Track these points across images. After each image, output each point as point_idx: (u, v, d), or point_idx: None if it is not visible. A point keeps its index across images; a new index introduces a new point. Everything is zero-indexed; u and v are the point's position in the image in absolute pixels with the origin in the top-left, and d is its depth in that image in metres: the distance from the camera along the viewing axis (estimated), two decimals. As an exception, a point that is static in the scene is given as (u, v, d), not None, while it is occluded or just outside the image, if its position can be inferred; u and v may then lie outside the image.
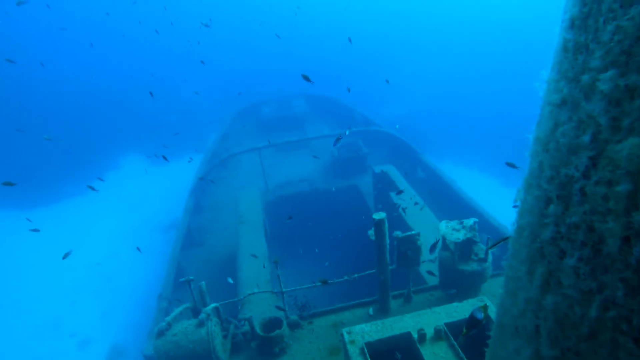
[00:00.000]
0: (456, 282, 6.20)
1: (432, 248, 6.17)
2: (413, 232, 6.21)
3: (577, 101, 1.05)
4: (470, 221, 6.27)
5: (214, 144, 18.23)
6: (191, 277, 6.02)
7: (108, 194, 22.45)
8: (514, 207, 5.33)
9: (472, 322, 3.58)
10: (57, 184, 22.89)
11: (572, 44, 1.09)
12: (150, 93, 19.97)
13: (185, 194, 13.79)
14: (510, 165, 6.65)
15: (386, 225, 5.85)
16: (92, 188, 10.97)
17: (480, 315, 3.39)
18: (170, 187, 16.74)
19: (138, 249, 12.91)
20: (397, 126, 17.52)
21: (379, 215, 5.79)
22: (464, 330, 3.79)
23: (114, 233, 18.51)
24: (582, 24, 1.05)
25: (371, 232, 6.12)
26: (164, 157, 11.50)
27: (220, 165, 14.76)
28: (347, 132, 9.19)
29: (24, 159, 25.80)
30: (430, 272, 6.95)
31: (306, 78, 7.37)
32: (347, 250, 12.43)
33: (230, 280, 7.74)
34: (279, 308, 6.48)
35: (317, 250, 12.40)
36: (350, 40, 11.77)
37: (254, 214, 10.41)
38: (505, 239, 2.23)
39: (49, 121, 30.46)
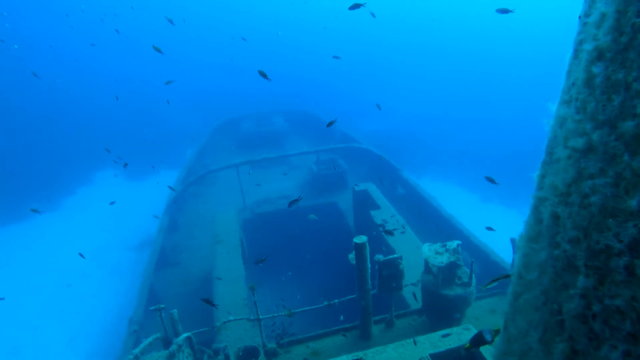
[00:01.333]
0: (439, 307, 6.01)
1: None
2: (395, 255, 6.01)
3: (614, 152, 0.86)
4: (453, 244, 6.11)
5: (190, 159, 17.81)
6: (162, 305, 5.66)
7: (79, 211, 21.65)
8: (488, 229, 5.21)
9: (478, 341, 3.35)
10: (25, 199, 21.94)
11: (603, 81, 0.90)
12: (117, 97, 19.51)
13: (160, 211, 13.33)
14: (490, 180, 6.54)
15: (367, 249, 5.64)
16: (36, 211, 10.58)
17: (488, 337, 3.18)
18: (145, 204, 16.20)
19: (81, 254, 12.31)
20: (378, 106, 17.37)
21: (360, 239, 5.57)
22: (467, 345, 3.58)
23: (85, 251, 17.72)
24: (618, 58, 0.86)
25: (352, 255, 5.90)
26: (125, 165, 11.11)
27: (197, 181, 14.37)
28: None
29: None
30: (415, 295, 6.75)
31: (263, 74, 6.98)
32: (327, 269, 12.16)
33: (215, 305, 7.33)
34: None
35: (290, 273, 12.11)
36: (337, 57, 11.66)
37: (230, 233, 10.06)
38: (506, 276, 1.98)
39: (19, 131, 29.45)
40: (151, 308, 5.65)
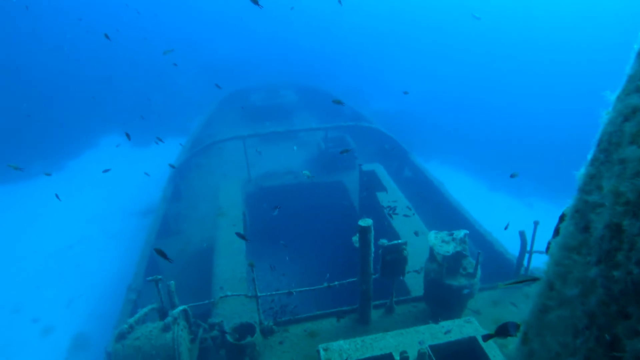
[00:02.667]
0: (442, 296, 5.88)
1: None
2: (400, 241, 5.85)
3: None
4: (460, 233, 5.93)
5: (197, 128, 17.60)
6: (159, 277, 5.56)
7: (83, 174, 21.63)
8: (505, 228, 4.96)
9: (502, 331, 3.20)
10: (30, 160, 21.92)
11: None
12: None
13: (164, 179, 13.23)
14: (514, 175, 6.33)
15: (372, 233, 5.48)
16: (49, 174, 10.39)
17: (513, 331, 3.03)
18: (149, 171, 16.09)
19: (57, 195, 12.28)
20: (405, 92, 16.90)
21: (365, 222, 5.40)
22: (492, 333, 3.45)
23: (87, 215, 17.78)
24: None
25: (355, 238, 5.74)
26: (127, 135, 10.88)
27: (202, 152, 14.19)
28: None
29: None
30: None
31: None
32: (329, 248, 12.09)
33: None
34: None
35: (287, 258, 12.03)
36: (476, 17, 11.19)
37: (233, 207, 9.94)
38: (532, 279, 1.77)
39: (25, 94, 29.22)
40: (148, 279, 5.56)
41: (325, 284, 6.07)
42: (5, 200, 19.39)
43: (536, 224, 6.23)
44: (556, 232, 1.76)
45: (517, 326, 2.91)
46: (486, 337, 3.68)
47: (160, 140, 13.96)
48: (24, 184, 20.33)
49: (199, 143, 15.49)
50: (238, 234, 5.89)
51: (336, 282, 6.09)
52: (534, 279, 1.59)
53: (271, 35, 47.23)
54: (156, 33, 43.75)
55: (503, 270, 8.41)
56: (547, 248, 1.89)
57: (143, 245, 10.16)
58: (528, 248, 6.51)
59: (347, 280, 6.14)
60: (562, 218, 1.72)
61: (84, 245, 16.03)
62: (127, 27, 39.14)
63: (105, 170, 13.42)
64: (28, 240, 16.25)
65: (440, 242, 5.88)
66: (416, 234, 8.29)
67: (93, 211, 18.15)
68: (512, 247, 9.49)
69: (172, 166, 11.71)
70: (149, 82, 34.15)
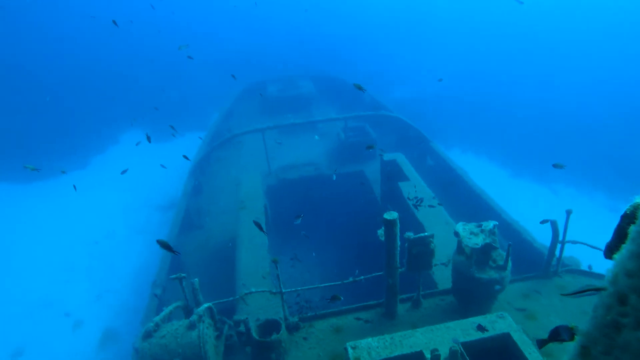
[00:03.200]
0: (471, 290, 5.70)
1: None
2: (426, 233, 5.68)
3: None
4: (489, 224, 5.72)
5: (216, 122, 17.61)
6: (183, 275, 5.54)
7: (107, 170, 21.96)
8: (542, 222, 4.66)
9: (555, 335, 2.97)
10: (54, 157, 22.38)
11: None
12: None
13: (185, 172, 13.28)
14: (558, 166, 6.06)
15: (398, 226, 5.32)
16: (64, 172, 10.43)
17: (566, 335, 2.81)
18: (171, 164, 16.24)
19: (74, 187, 12.48)
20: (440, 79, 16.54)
21: (391, 215, 5.25)
22: (545, 338, 3.21)
23: (112, 211, 18.07)
24: None
25: (381, 232, 5.59)
26: (148, 138, 10.86)
27: (222, 145, 14.19)
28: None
29: (20, 130, 25.29)
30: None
31: None
32: (352, 239, 11.97)
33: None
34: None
35: (314, 254, 11.95)
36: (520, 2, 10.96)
37: (255, 200, 9.90)
38: (596, 289, 1.57)
39: (49, 92, 29.82)
40: (171, 277, 5.54)
41: (351, 279, 5.96)
42: (34, 197, 19.87)
43: (569, 213, 5.96)
44: (619, 233, 1.58)
45: (569, 330, 2.72)
46: (541, 343, 3.47)
47: (174, 129, 13.95)
48: (51, 181, 20.77)
49: (218, 137, 15.48)
50: (256, 224, 5.78)
51: (361, 277, 5.97)
52: (599, 289, 1.41)
53: (286, 23, 46.94)
54: (170, 26, 43.99)
55: (531, 260, 8.16)
56: (607, 251, 1.71)
57: (166, 240, 10.22)
58: (560, 238, 6.26)
59: (373, 275, 6.01)
60: (627, 217, 1.54)
61: (110, 241, 16.32)
62: (141, 20, 39.44)
63: (124, 171, 13.55)
64: (56, 236, 16.63)
65: (469, 234, 5.68)
66: (447, 227, 8.08)
67: (117, 206, 18.44)
68: (538, 236, 9.21)
69: (185, 157, 11.71)
70: (165, 76, 34.40)
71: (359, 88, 7.93)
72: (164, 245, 4.75)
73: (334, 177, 11.67)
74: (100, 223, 17.32)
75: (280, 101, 19.41)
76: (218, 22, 49.80)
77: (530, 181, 21.42)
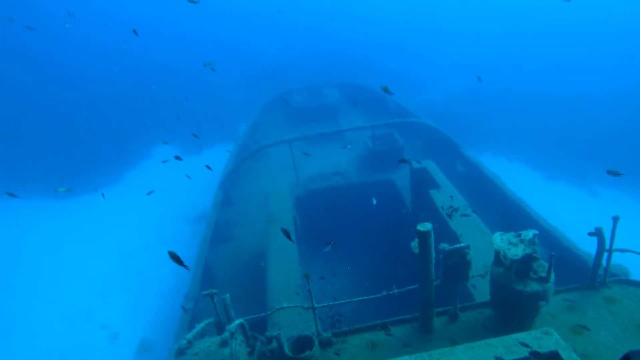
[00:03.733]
0: (511, 303, 5.43)
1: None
2: (462, 244, 5.47)
3: None
4: (529, 234, 5.45)
5: (243, 134, 17.78)
6: (214, 291, 5.52)
7: (139, 184, 22.53)
8: (590, 234, 4.33)
9: None
10: (88, 172, 23.15)
11: None
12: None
13: (215, 186, 13.43)
14: (613, 173, 5.73)
15: (432, 238, 5.14)
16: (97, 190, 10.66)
17: None
18: (198, 177, 16.51)
19: (102, 195, 12.64)
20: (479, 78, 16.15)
21: (424, 227, 5.07)
22: None
23: (145, 224, 18.48)
24: None
25: (414, 243, 5.42)
26: (177, 157, 10.95)
27: (250, 157, 14.29)
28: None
29: (55, 147, 26.30)
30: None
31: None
32: (384, 250, 11.76)
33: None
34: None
35: (348, 268, 11.80)
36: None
37: (284, 211, 9.86)
38: None
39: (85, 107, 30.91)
40: (203, 293, 5.53)
41: (384, 292, 5.79)
42: (72, 213, 20.56)
43: (616, 219, 5.62)
44: None
45: None
46: None
47: (197, 137, 14.11)
48: (86, 197, 21.47)
49: (246, 148, 15.60)
50: (284, 232, 5.69)
51: (395, 290, 5.79)
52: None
53: (309, 31, 47.26)
54: (195, 38, 44.99)
55: (574, 269, 7.76)
56: None
57: (197, 253, 10.32)
58: (607, 246, 5.90)
59: (407, 288, 5.83)
60: None
61: (144, 253, 16.65)
62: (166, 34, 40.48)
63: (149, 193, 13.85)
64: (93, 250, 17.13)
65: (507, 244, 5.42)
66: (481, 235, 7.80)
67: (150, 220, 18.84)
68: (580, 242, 8.75)
69: (208, 168, 11.79)
70: (191, 89, 35.11)
71: (386, 91, 7.81)
72: (174, 257, 4.70)
73: (374, 202, 11.50)
74: (135, 236, 17.73)
75: (306, 111, 19.45)
76: (244, 30, 50.63)
77: (567, 183, 20.59)
